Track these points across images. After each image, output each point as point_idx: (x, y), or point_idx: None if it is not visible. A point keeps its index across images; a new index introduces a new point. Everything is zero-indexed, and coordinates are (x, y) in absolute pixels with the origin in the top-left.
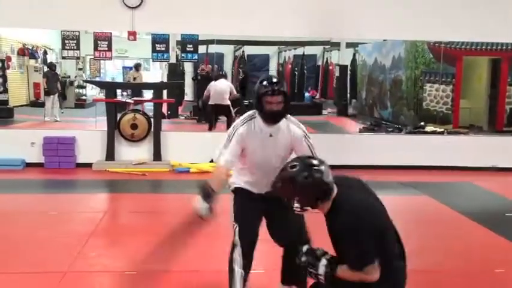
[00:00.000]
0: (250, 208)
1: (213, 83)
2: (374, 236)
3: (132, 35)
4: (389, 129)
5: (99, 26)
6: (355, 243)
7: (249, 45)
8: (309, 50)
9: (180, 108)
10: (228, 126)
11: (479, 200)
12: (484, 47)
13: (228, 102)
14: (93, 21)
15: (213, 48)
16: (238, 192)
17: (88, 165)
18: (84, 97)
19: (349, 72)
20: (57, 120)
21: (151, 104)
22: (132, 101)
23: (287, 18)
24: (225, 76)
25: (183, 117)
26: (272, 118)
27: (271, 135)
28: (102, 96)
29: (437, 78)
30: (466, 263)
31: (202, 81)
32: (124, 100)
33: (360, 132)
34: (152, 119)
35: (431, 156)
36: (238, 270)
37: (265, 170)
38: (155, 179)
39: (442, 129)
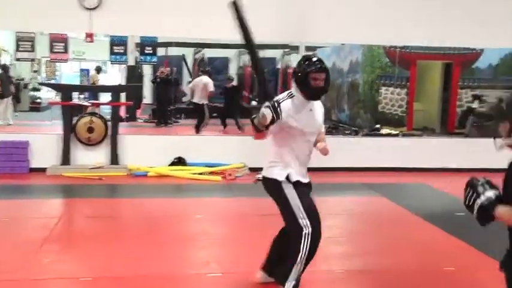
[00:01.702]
0: (306, 195)
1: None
2: None
3: (89, 36)
4: (347, 132)
5: (55, 28)
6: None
7: (209, 47)
8: (268, 53)
9: (138, 111)
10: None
11: (431, 200)
12: (437, 52)
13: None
14: (49, 22)
15: (173, 51)
16: (290, 182)
17: (42, 170)
18: (39, 100)
19: None
20: (10, 124)
21: (109, 107)
22: (90, 104)
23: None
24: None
25: (142, 121)
26: (318, 94)
27: (311, 110)
28: (58, 99)
29: (392, 81)
30: (417, 262)
31: (161, 84)
32: (80, 103)
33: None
34: (109, 122)
35: (387, 158)
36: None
37: (305, 146)
38: (112, 184)
39: (397, 132)
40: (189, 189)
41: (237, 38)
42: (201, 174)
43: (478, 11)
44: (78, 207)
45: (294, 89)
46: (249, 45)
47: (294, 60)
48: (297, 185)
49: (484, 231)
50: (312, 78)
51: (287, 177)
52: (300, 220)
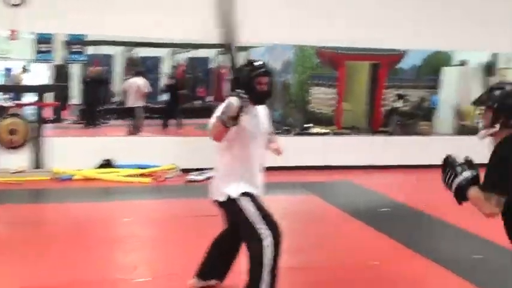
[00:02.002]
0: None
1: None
2: None
3: (13, 34)
4: (279, 131)
5: None
6: (503, 167)
7: (140, 46)
8: (202, 53)
9: (64, 112)
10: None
11: (358, 198)
12: (364, 52)
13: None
14: None
15: (103, 50)
16: (247, 195)
17: None
18: None
19: None
20: None
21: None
22: (13, 105)
23: (179, 20)
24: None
25: (69, 122)
26: (264, 98)
27: (255, 115)
28: None
29: (323, 81)
30: (344, 257)
31: (91, 84)
32: (2, 104)
33: None
34: (33, 124)
35: (317, 157)
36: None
37: (257, 153)
38: (35, 188)
39: (327, 131)
40: (117, 192)
41: (170, 36)
42: (129, 176)
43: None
44: None
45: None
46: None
47: (227, 60)
48: (252, 196)
49: (406, 225)
50: (256, 82)
51: (243, 193)
52: (259, 231)
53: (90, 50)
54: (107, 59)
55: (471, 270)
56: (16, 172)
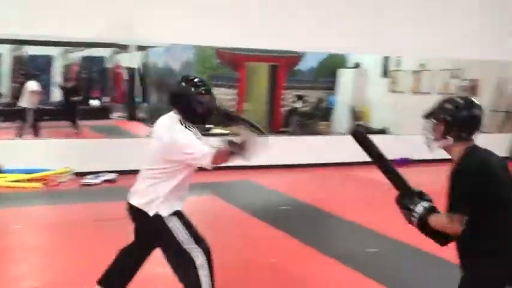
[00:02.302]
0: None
1: None
2: (487, 194)
3: None
4: None
5: None
6: (459, 183)
7: (30, 44)
8: (97, 52)
9: None
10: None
11: (257, 196)
12: (264, 54)
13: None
14: None
15: None
16: (177, 214)
17: None
18: None
19: (139, 75)
20: None
21: None
22: None
23: (72, 18)
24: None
25: None
26: (206, 119)
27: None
28: None
29: (223, 82)
30: (245, 256)
31: None
32: None
33: (147, 136)
34: None
35: None
36: None
37: (189, 178)
38: None
39: (228, 131)
40: (5, 198)
41: (63, 34)
42: (17, 181)
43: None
44: None
45: (176, 114)
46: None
47: (124, 59)
48: (180, 213)
49: (305, 223)
50: (198, 101)
51: (173, 212)
52: (190, 251)
53: None
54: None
55: (365, 264)
56: None
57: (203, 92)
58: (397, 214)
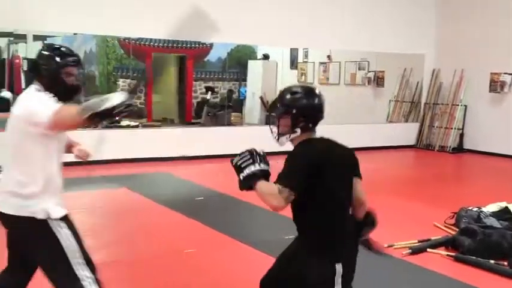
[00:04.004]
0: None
1: None
2: (315, 174)
3: None
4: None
5: None
6: (292, 163)
7: None
8: None
9: None
10: None
11: (173, 188)
12: (170, 45)
13: None
14: None
15: None
16: (66, 219)
17: None
18: None
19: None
20: None
21: None
22: None
23: None
24: None
25: None
26: (74, 93)
27: None
28: None
29: (129, 73)
30: (161, 248)
31: None
32: None
33: None
34: None
35: (128, 149)
36: None
37: (59, 157)
38: None
39: (137, 123)
40: None
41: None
42: None
43: None
44: None
45: (38, 86)
46: None
47: (21, 49)
48: (70, 221)
49: (220, 212)
50: (66, 73)
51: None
52: (78, 272)
53: None
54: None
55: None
56: None
57: (71, 63)
58: None
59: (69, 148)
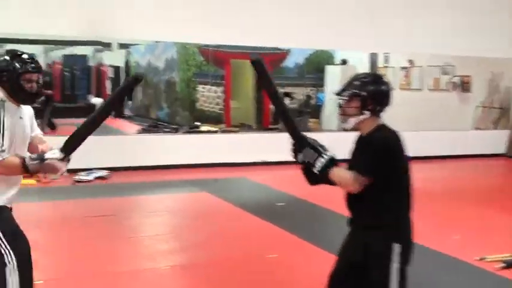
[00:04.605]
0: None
1: None
2: (394, 166)
3: None
4: (166, 130)
5: None
6: (373, 153)
7: (9, 43)
8: (79, 51)
9: None
10: None
11: (252, 193)
12: (248, 51)
13: None
14: None
15: None
16: (3, 211)
17: None
18: None
19: (123, 73)
20: None
21: None
22: None
23: (51, 15)
24: None
25: None
26: (35, 98)
27: (21, 118)
28: None
29: (208, 79)
30: (243, 251)
31: None
32: None
33: (138, 133)
34: None
35: (208, 154)
36: None
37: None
38: None
39: (216, 129)
40: None
41: (44, 32)
42: None
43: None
44: None
45: (1, 93)
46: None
47: (107, 58)
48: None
49: (301, 218)
50: (26, 79)
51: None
52: (4, 252)
53: None
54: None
55: None
56: None
57: (31, 69)
58: None
59: (35, 148)
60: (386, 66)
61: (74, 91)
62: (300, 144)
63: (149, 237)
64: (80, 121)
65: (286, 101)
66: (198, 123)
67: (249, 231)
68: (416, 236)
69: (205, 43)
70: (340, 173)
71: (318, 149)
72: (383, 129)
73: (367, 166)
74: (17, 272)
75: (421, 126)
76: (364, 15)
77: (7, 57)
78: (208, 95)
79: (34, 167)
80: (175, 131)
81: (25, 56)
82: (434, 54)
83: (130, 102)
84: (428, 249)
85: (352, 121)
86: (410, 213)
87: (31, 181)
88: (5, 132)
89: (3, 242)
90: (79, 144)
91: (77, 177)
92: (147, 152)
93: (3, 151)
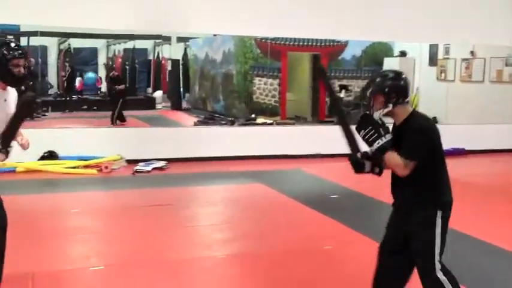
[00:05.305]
0: None
1: None
2: (435, 150)
3: None
4: (223, 122)
5: None
6: (419, 139)
7: (75, 37)
8: (139, 44)
9: None
10: None
11: (307, 185)
12: (305, 44)
13: None
14: None
15: (36, 41)
16: None
17: None
18: None
19: (181, 66)
20: None
21: None
22: None
23: (115, 9)
24: None
25: None
26: (21, 81)
27: (5, 100)
28: None
29: (265, 72)
30: (298, 243)
31: None
32: None
33: (195, 125)
34: None
35: (263, 146)
36: None
37: None
38: None
39: (272, 121)
40: (63, 184)
41: (105, 26)
42: (75, 168)
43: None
44: None
45: None
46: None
47: (165, 51)
48: None
49: (356, 211)
50: (13, 64)
51: None
52: None
53: (24, 41)
54: (41, 50)
55: None
56: None
57: (18, 55)
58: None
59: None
60: (446, 58)
61: (134, 84)
62: (365, 120)
63: (205, 227)
64: (141, 113)
65: (342, 93)
66: (254, 116)
67: (303, 222)
68: (476, 230)
69: (263, 36)
70: (394, 156)
71: (379, 130)
72: (416, 115)
73: (413, 152)
74: None
75: (481, 119)
76: (424, 5)
77: None
78: (264, 88)
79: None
80: (232, 123)
81: (12, 44)
82: (498, 45)
83: (187, 95)
84: (486, 243)
85: (377, 114)
86: (449, 187)
87: (93, 171)
88: None
89: None
90: (11, 140)
91: (136, 168)
92: (204, 143)
93: None
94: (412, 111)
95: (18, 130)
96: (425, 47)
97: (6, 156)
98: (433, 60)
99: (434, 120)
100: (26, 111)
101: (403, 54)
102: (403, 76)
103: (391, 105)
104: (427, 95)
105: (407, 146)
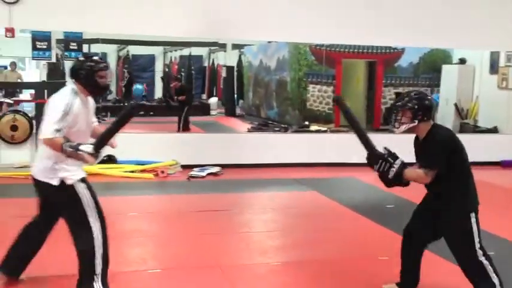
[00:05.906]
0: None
1: None
2: (456, 156)
3: (10, 31)
4: (276, 129)
5: None
6: (437, 148)
7: (134, 44)
8: (195, 51)
9: None
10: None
11: (361, 194)
12: (361, 51)
13: None
14: None
15: (96, 48)
16: (84, 182)
17: None
18: None
19: (235, 73)
20: None
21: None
22: (12, 101)
23: (172, 18)
24: None
25: None
26: (104, 91)
27: (87, 108)
28: None
29: (319, 79)
30: (352, 252)
31: None
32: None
33: (248, 131)
34: (34, 120)
35: (316, 154)
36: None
37: (86, 142)
38: None
39: (325, 128)
40: (120, 187)
41: (162, 33)
42: (132, 172)
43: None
44: (5, 207)
45: (74, 86)
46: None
47: (220, 58)
48: (87, 182)
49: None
50: (99, 76)
51: (81, 178)
52: (90, 222)
53: (85, 48)
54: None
55: None
56: (20, 167)
57: (102, 67)
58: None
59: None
60: (508, 66)
61: (191, 91)
62: (373, 157)
63: (259, 233)
64: (196, 119)
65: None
66: (307, 123)
67: (358, 231)
68: None
69: (318, 42)
70: (411, 173)
71: (388, 160)
72: (438, 127)
73: (432, 161)
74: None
75: None
76: (485, 12)
77: (82, 59)
78: (318, 95)
79: (68, 152)
80: (285, 130)
81: (96, 58)
82: None
83: (241, 101)
84: None
85: (402, 128)
86: (474, 188)
87: (150, 176)
88: (65, 117)
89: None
90: (105, 144)
91: (191, 173)
92: (257, 150)
93: (58, 131)
94: (433, 124)
95: (114, 135)
96: (486, 54)
97: (96, 159)
98: (494, 68)
99: (495, 129)
100: (128, 118)
101: (462, 61)
102: (429, 97)
103: (416, 121)
104: (488, 103)
105: (428, 156)
